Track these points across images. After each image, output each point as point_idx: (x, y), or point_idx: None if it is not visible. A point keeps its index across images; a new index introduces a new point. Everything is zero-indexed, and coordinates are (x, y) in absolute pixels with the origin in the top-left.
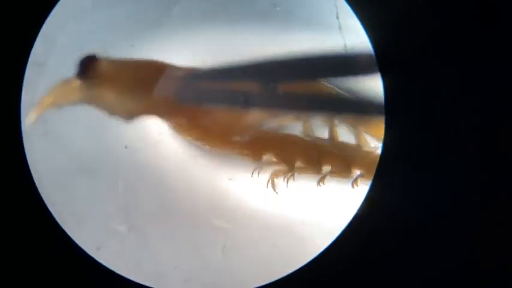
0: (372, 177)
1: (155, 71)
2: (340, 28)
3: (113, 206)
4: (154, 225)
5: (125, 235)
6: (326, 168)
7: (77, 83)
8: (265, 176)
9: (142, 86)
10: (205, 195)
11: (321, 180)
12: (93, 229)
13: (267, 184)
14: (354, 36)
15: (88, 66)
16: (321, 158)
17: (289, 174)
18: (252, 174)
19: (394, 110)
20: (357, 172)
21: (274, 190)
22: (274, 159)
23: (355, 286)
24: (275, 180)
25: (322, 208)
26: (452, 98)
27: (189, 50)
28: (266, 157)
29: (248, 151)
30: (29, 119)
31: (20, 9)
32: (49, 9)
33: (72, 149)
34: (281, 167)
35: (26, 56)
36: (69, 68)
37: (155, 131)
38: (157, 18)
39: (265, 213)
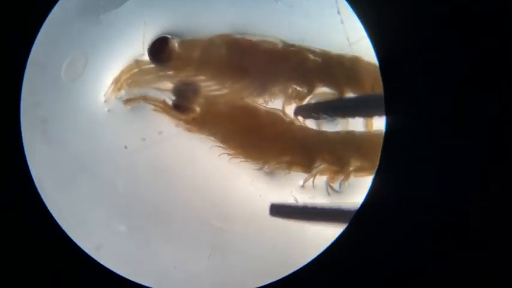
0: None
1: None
2: (342, 23)
3: (112, 206)
4: (154, 225)
5: (125, 235)
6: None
7: (150, 65)
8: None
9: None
10: (205, 196)
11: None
12: (92, 229)
13: (327, 191)
14: (355, 32)
15: (160, 49)
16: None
17: (346, 176)
18: (304, 184)
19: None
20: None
21: (333, 193)
22: (324, 164)
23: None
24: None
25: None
26: (454, 95)
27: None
28: (316, 164)
29: (297, 164)
30: (105, 97)
31: (19, 9)
32: (49, 8)
33: (71, 148)
34: (334, 169)
35: (26, 56)
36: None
37: (155, 131)
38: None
39: (264, 215)
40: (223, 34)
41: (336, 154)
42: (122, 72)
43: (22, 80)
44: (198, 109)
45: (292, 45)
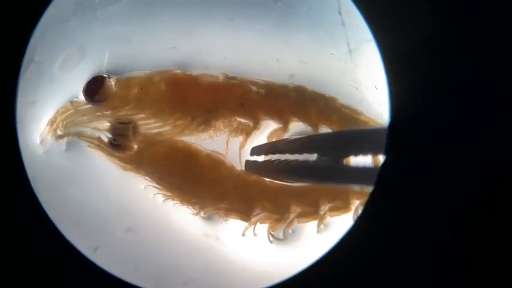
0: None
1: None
2: (343, 24)
3: (109, 208)
4: (152, 228)
5: (122, 237)
6: (324, 207)
7: (86, 105)
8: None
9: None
10: None
11: (321, 222)
12: (89, 230)
13: (269, 239)
14: (356, 33)
15: (95, 90)
16: (317, 197)
17: (287, 223)
18: (244, 233)
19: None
20: (356, 202)
21: (275, 242)
22: (264, 212)
23: None
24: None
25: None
26: (461, 104)
27: (187, 45)
28: (256, 212)
29: (235, 212)
30: (42, 142)
31: (15, 8)
32: (45, 6)
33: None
34: (275, 217)
35: (22, 54)
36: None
37: None
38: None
39: None
40: (162, 70)
41: (275, 202)
42: (57, 113)
43: (18, 78)
44: (135, 147)
45: (234, 78)
